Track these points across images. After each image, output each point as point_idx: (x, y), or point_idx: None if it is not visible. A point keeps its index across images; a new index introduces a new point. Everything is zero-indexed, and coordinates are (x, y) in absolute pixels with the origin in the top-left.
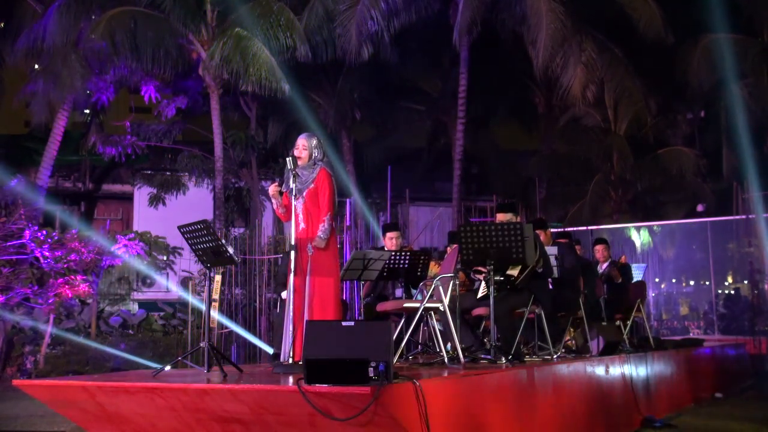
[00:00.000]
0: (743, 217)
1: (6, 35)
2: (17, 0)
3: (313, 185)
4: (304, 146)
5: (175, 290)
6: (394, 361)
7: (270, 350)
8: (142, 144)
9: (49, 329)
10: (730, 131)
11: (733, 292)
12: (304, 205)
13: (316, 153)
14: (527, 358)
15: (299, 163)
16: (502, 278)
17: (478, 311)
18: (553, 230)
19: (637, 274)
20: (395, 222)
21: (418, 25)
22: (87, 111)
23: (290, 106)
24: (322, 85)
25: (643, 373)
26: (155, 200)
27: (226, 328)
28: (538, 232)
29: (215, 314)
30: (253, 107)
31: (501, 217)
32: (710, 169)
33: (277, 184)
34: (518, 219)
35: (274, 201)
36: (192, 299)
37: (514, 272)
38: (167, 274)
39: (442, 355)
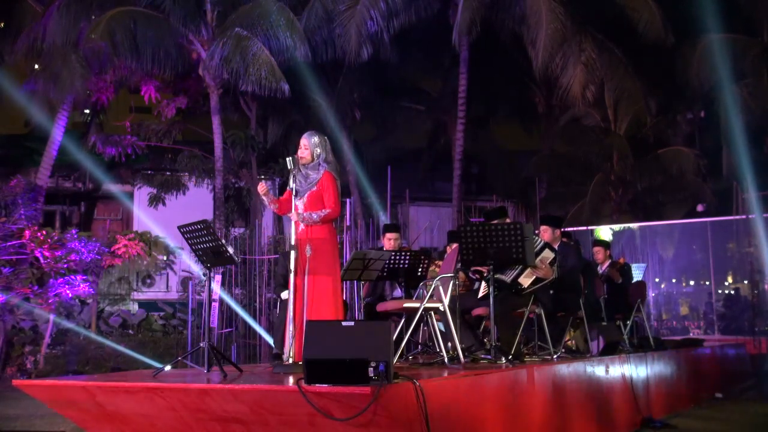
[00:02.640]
0: (743, 217)
1: (6, 35)
2: (17, 0)
3: (315, 188)
4: (305, 146)
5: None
6: (394, 361)
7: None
8: (142, 144)
9: (49, 329)
10: (729, 131)
11: (733, 292)
12: (304, 206)
13: (318, 152)
14: (527, 358)
15: (303, 162)
16: (509, 282)
17: (478, 311)
18: None
19: (637, 274)
20: (395, 223)
21: (418, 25)
22: (87, 111)
23: (290, 106)
24: (322, 85)
25: (643, 374)
26: (155, 200)
27: (227, 328)
28: (544, 227)
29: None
30: (253, 107)
31: None
32: (710, 169)
33: (264, 183)
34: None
35: (264, 198)
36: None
37: (525, 282)
38: (167, 274)
39: (442, 355)
